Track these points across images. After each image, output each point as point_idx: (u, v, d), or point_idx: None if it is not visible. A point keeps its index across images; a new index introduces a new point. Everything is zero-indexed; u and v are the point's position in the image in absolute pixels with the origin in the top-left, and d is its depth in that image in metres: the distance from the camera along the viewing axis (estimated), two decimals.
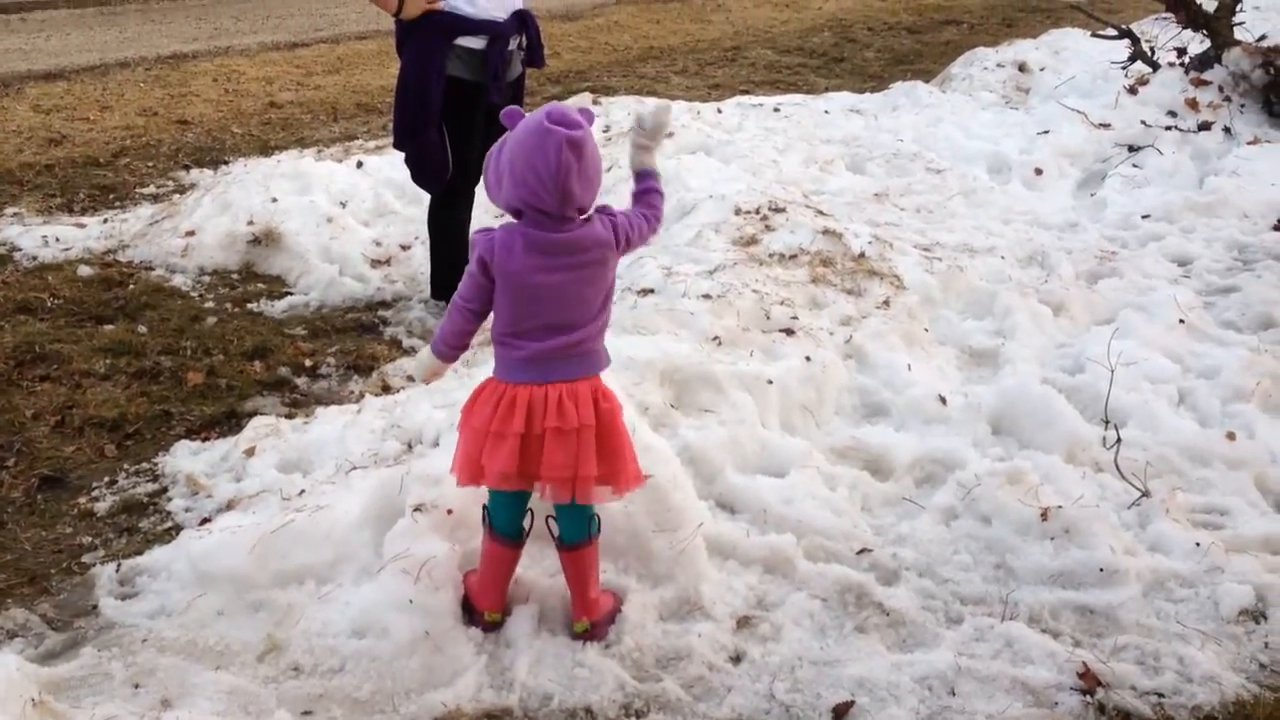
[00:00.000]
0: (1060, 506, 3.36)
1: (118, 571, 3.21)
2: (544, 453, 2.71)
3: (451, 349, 2.87)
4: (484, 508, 2.95)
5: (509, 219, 2.74)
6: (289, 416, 4.17)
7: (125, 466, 3.91)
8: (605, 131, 7.41)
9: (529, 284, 2.68)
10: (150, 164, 7.48)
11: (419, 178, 5.04)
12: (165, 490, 3.76)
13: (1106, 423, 3.95)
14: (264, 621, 2.97)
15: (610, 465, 2.79)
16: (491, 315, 2.79)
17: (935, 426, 3.99)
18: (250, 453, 3.81)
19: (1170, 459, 3.81)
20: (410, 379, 4.55)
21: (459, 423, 2.87)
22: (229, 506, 3.52)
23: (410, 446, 3.64)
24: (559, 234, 2.67)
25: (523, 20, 4.89)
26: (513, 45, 4.86)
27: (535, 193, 2.61)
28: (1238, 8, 7.87)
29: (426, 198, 5.27)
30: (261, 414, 4.18)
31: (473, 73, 4.79)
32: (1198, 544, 3.32)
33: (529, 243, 2.66)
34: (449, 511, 3.12)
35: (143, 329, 4.94)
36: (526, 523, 2.96)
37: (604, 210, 2.80)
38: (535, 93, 9.62)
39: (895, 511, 3.60)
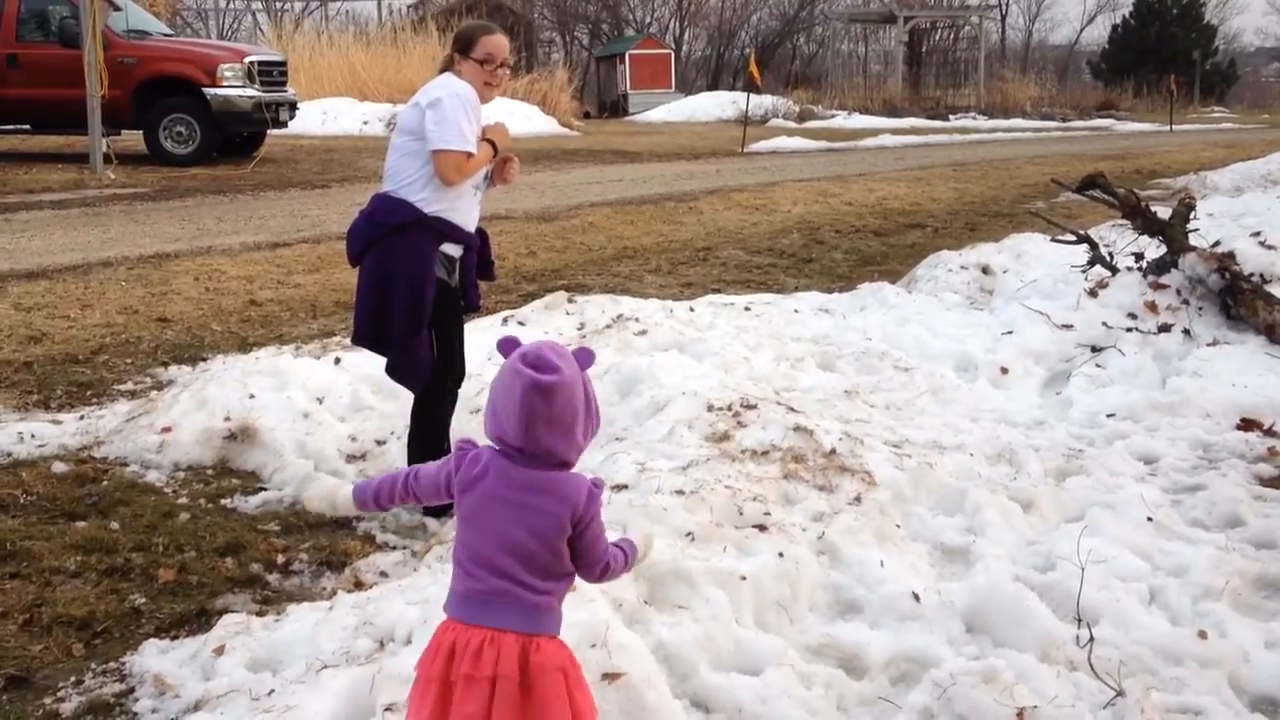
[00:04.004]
0: (1036, 706, 3.34)
1: None
2: (453, 702, 2.49)
3: (370, 500, 2.84)
4: None
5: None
6: (260, 614, 4.14)
7: (92, 666, 3.85)
8: (580, 329, 7.55)
9: (475, 506, 2.60)
10: (129, 361, 7.55)
11: (405, 376, 5.14)
12: (132, 690, 3.69)
13: (1079, 621, 3.96)
14: None
15: None
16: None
17: (909, 624, 3.98)
18: (220, 651, 3.76)
19: (1143, 657, 3.80)
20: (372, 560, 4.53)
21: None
22: (197, 707, 3.46)
23: (382, 644, 3.61)
24: (521, 469, 2.58)
25: (483, 236, 5.27)
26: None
27: (503, 427, 2.57)
28: (1191, 215, 8.16)
29: (403, 394, 5.33)
30: (232, 611, 4.14)
31: (449, 277, 5.07)
32: None
33: (491, 465, 2.60)
34: None
35: (115, 525, 4.92)
36: None
37: (596, 484, 2.64)
38: (511, 290, 9.83)
39: (871, 711, 3.57)
